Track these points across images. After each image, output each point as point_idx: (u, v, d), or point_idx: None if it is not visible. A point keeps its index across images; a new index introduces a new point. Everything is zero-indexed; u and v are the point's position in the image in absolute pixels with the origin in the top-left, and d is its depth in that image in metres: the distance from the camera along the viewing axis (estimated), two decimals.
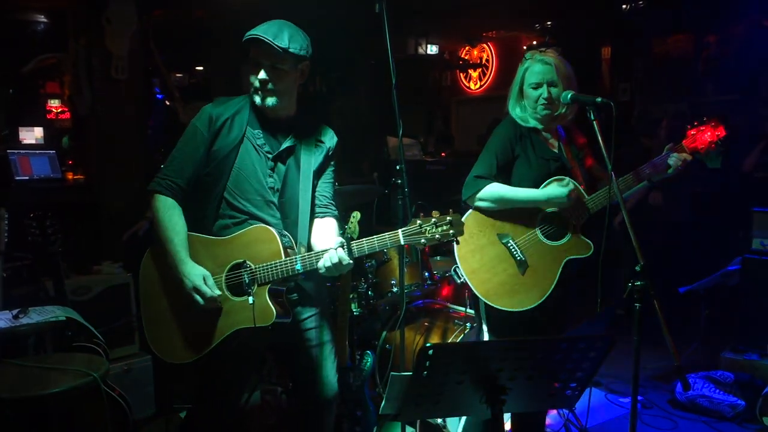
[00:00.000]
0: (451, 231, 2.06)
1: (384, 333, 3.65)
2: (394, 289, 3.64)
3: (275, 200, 2.31)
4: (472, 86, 9.70)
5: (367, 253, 2.16)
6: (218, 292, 2.19)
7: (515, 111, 2.59)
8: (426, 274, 3.77)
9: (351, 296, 3.54)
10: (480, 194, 2.50)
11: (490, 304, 2.52)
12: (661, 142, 5.27)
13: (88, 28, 4.44)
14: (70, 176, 4.99)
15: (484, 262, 2.52)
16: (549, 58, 2.52)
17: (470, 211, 2.58)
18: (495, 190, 2.48)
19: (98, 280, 3.59)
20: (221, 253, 2.25)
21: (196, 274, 2.17)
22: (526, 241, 2.52)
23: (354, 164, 7.63)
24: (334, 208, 2.47)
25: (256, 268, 2.19)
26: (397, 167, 2.79)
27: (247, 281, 2.19)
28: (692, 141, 2.51)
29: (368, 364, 3.22)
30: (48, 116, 6.90)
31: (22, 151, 4.65)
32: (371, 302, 3.72)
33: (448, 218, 2.06)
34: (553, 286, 2.48)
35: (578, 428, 3.44)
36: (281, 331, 2.29)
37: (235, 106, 2.32)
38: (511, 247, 2.51)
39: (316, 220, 2.41)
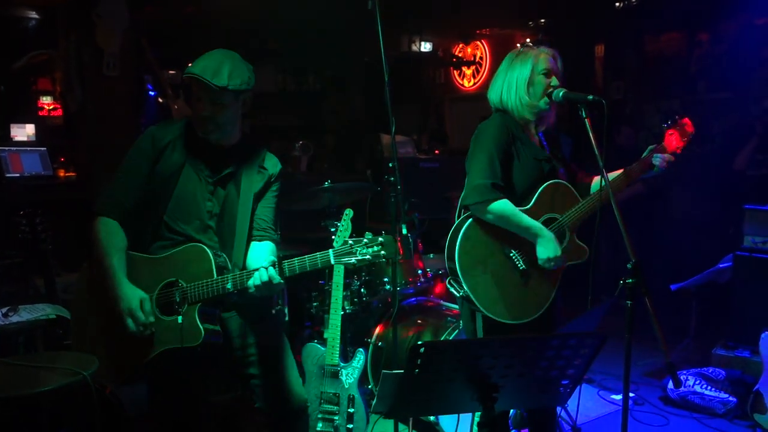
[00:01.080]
0: (382, 252, 2.09)
1: (377, 330, 3.65)
2: (387, 287, 3.64)
3: (213, 225, 2.33)
4: (466, 84, 9.69)
5: (298, 272, 2.17)
6: (152, 319, 2.19)
7: (515, 103, 2.47)
8: (419, 271, 3.78)
9: (344, 294, 3.53)
10: (491, 206, 2.36)
11: (493, 317, 2.41)
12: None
13: (79, 25, 4.42)
14: (61, 173, 4.97)
15: (487, 274, 2.42)
16: (550, 50, 2.51)
17: (470, 221, 2.44)
18: (506, 207, 2.36)
19: (79, 274, 3.56)
20: (155, 271, 2.26)
21: (133, 296, 2.18)
22: (527, 251, 2.44)
23: (347, 162, 7.63)
24: (273, 232, 2.46)
25: (187, 286, 2.20)
26: (390, 165, 2.79)
27: (177, 300, 2.20)
28: (669, 142, 2.49)
29: (360, 361, 3.22)
30: (40, 113, 6.85)
31: (13, 148, 4.63)
32: (364, 300, 3.72)
33: (379, 239, 2.10)
34: (554, 294, 2.45)
35: (570, 425, 3.45)
36: (222, 351, 2.32)
37: (177, 130, 2.34)
38: (515, 258, 2.44)
39: (253, 243, 2.40)
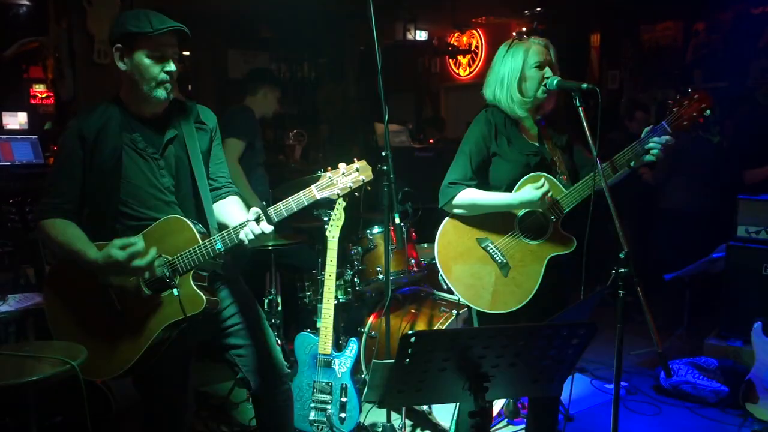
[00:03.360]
0: (361, 177, 2.12)
1: (370, 320, 3.64)
2: (380, 276, 3.63)
3: (174, 199, 2.25)
4: (462, 73, 9.66)
5: (285, 215, 2.13)
6: (139, 239, 2.09)
7: (506, 100, 2.46)
8: (412, 260, 3.77)
9: (337, 283, 3.53)
10: (455, 201, 2.45)
11: (476, 308, 2.50)
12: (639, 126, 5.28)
13: (70, 11, 4.37)
14: (52, 161, 4.93)
15: (465, 268, 2.49)
16: (542, 40, 2.48)
17: (447, 218, 2.55)
18: (469, 196, 2.44)
19: (44, 285, 3.54)
20: None
21: (108, 254, 2.06)
22: (506, 243, 2.48)
23: (342, 151, 7.60)
24: (232, 185, 2.43)
25: (174, 258, 2.14)
26: (383, 154, 2.77)
27: (167, 274, 2.14)
28: (675, 118, 2.38)
29: (353, 351, 3.21)
30: (32, 101, 6.81)
31: (3, 136, 4.59)
32: (357, 289, 3.71)
33: (354, 165, 2.13)
34: (537, 286, 2.45)
35: (563, 415, 3.46)
36: (207, 324, 2.27)
37: (103, 115, 2.18)
38: (491, 251, 2.48)
39: (219, 203, 2.36)
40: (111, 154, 2.15)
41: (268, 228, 2.09)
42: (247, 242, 2.10)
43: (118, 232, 2.17)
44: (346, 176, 2.12)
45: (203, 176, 2.28)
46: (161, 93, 2.14)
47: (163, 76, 2.13)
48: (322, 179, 2.12)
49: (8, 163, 4.42)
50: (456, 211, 2.49)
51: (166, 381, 2.32)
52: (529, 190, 2.38)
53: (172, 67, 2.14)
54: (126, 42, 2.11)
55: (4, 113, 5.83)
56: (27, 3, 6.09)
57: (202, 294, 2.13)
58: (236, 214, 2.28)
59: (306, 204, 2.13)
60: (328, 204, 3.37)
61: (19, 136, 4.71)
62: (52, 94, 6.25)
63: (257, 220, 2.08)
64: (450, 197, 2.46)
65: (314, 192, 2.11)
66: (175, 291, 2.10)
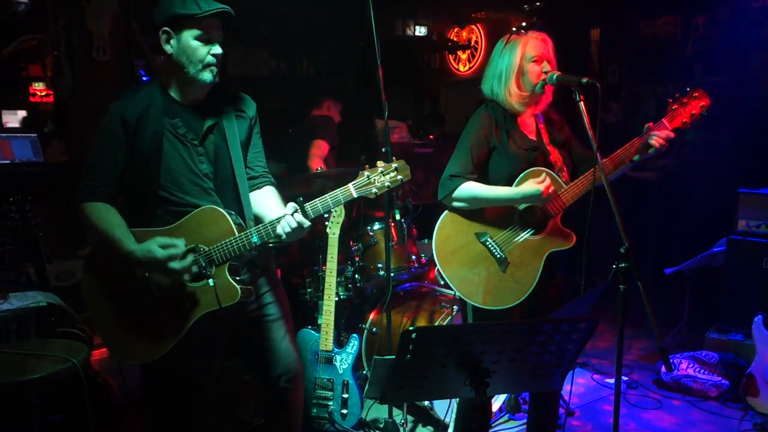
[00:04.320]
0: (399, 176, 2.11)
1: (371, 316, 3.64)
2: (381, 273, 3.63)
3: (212, 186, 2.25)
4: (461, 68, 9.64)
5: (321, 211, 2.13)
6: (181, 242, 2.11)
7: (504, 94, 2.47)
8: (413, 257, 3.77)
9: (338, 280, 3.53)
10: (455, 194, 2.44)
11: (473, 304, 2.48)
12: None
13: (68, 8, 4.36)
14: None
15: (464, 263, 2.48)
16: (540, 34, 2.48)
17: (446, 212, 2.53)
18: (469, 189, 2.43)
19: (82, 265, 3.54)
20: None
21: (148, 249, 2.08)
22: (505, 238, 2.47)
23: (342, 147, 7.58)
24: (269, 175, 2.43)
25: (210, 249, 2.15)
26: (383, 150, 2.77)
27: (203, 264, 2.15)
28: (675, 116, 2.43)
29: (354, 347, 3.22)
30: (32, 99, 6.79)
31: (2, 135, 4.58)
32: (358, 285, 3.71)
33: (393, 165, 2.11)
34: (536, 281, 2.45)
35: (564, 409, 3.46)
36: (240, 314, 2.27)
37: (145, 99, 2.18)
38: (490, 246, 2.47)
39: (255, 193, 2.37)
40: (152, 139, 2.15)
41: (305, 222, 2.10)
42: (284, 236, 2.11)
43: (157, 217, 2.19)
44: (384, 175, 2.10)
45: (241, 165, 2.29)
46: (207, 75, 2.15)
47: (210, 58, 2.14)
48: (360, 177, 2.11)
49: (8, 162, 4.42)
50: (456, 204, 2.48)
51: (187, 376, 2.30)
52: (530, 185, 2.37)
53: (218, 49, 2.15)
54: (173, 25, 2.11)
55: (3, 111, 5.80)
56: (25, 1, 6.07)
57: (237, 285, 2.14)
58: (271, 206, 2.29)
59: (342, 201, 2.13)
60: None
61: (18, 135, 4.70)
62: (51, 92, 6.24)
63: (294, 215, 2.08)
64: (450, 190, 2.45)
65: (351, 190, 2.11)
66: (210, 281, 2.11)
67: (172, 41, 2.13)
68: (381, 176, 2.10)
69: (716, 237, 4.25)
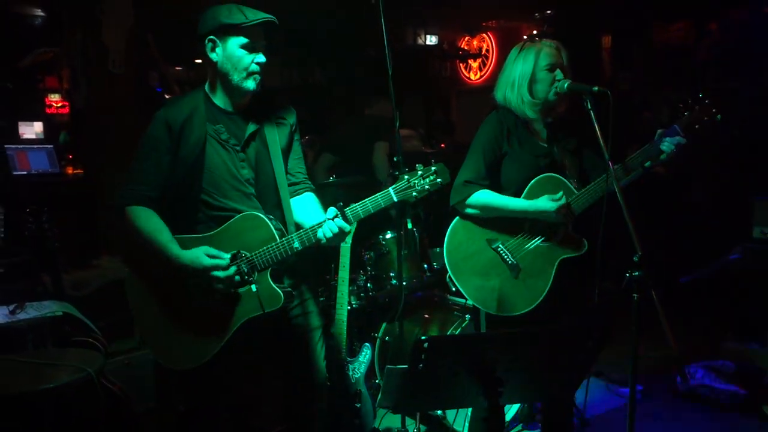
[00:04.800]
0: (438, 179, 2.12)
1: (383, 325, 3.64)
2: (393, 281, 3.63)
3: (253, 191, 2.29)
4: (472, 76, 9.65)
5: (362, 216, 2.15)
6: (228, 255, 2.14)
7: (516, 101, 2.48)
8: (425, 265, 3.76)
9: (350, 288, 3.53)
10: (468, 201, 2.44)
11: (485, 311, 2.48)
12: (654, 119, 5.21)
13: (84, 22, 4.42)
14: (69, 170, 4.98)
15: (475, 269, 2.47)
16: (554, 43, 2.49)
17: (457, 218, 2.53)
18: (484, 197, 2.43)
19: (97, 275, 3.58)
20: (212, 247, 2.20)
21: (195, 256, 2.12)
22: (517, 245, 2.47)
23: (353, 155, 7.59)
24: (309, 182, 2.46)
25: (252, 255, 2.17)
26: (395, 159, 2.77)
27: (245, 270, 2.17)
28: (686, 122, 2.41)
29: (367, 356, 3.21)
30: (48, 111, 6.89)
31: (20, 146, 4.65)
32: (370, 294, 3.71)
33: (432, 168, 2.12)
34: (548, 288, 2.44)
35: (578, 419, 3.44)
36: (282, 319, 2.29)
37: (189, 106, 2.24)
38: (502, 252, 2.47)
39: (295, 199, 2.39)
40: (195, 144, 2.20)
41: (346, 227, 2.12)
42: (324, 241, 2.14)
43: (198, 221, 2.23)
44: (424, 178, 2.12)
45: (282, 171, 2.32)
46: (251, 83, 2.20)
47: (254, 66, 2.19)
48: (399, 181, 2.13)
49: (25, 172, 4.48)
50: (468, 210, 2.48)
51: (219, 377, 2.32)
52: (545, 201, 2.37)
53: (262, 58, 2.20)
54: (219, 33, 2.17)
55: (20, 123, 5.90)
56: (42, 14, 6.17)
57: (279, 290, 2.16)
58: (312, 212, 2.32)
59: (382, 206, 2.14)
60: (341, 209, 3.38)
61: (35, 146, 4.77)
62: (67, 104, 6.32)
63: (334, 219, 2.11)
64: (464, 196, 2.45)
65: (391, 194, 2.12)
66: (253, 287, 2.13)
67: (217, 49, 2.19)
68: (420, 179, 2.11)
69: (731, 245, 4.21)
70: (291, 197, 2.38)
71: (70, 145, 5.45)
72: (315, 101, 8.42)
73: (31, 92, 6.72)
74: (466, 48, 9.55)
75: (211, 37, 2.18)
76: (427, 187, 2.11)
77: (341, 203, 2.14)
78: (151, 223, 2.18)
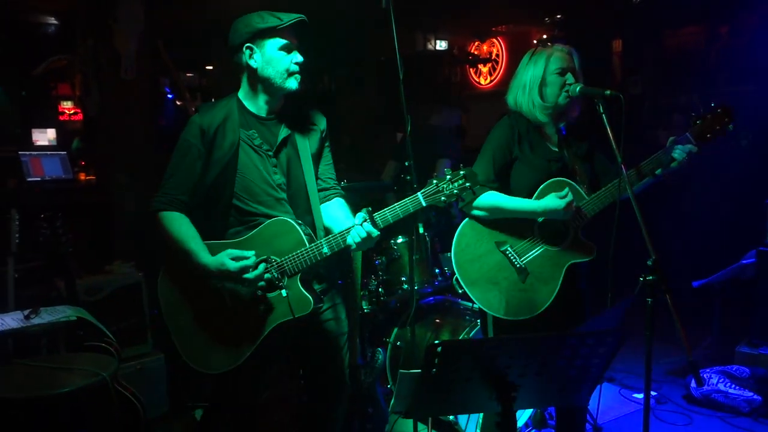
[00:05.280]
0: (467, 184, 2.12)
1: (395, 330, 3.64)
2: (405, 286, 3.63)
3: (285, 196, 2.31)
4: (483, 81, 9.64)
5: (391, 221, 2.16)
6: (251, 253, 2.16)
7: (527, 105, 2.49)
8: (437, 270, 3.76)
9: (362, 293, 3.53)
10: (476, 202, 2.44)
11: (491, 314, 2.47)
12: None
13: (97, 29, 4.46)
14: (82, 177, 5.02)
15: (483, 272, 2.46)
16: (566, 47, 2.50)
17: (466, 220, 2.53)
18: (491, 198, 2.43)
19: (110, 280, 3.60)
20: None
21: (222, 260, 2.14)
22: (525, 248, 2.47)
23: (365, 161, 7.62)
24: (339, 188, 2.48)
25: (282, 260, 2.19)
26: (406, 163, 2.78)
27: (276, 275, 2.19)
28: (698, 131, 2.41)
29: (379, 361, 3.21)
30: (61, 117, 6.95)
31: (33, 153, 4.68)
32: (382, 299, 3.71)
33: (461, 172, 2.13)
34: (555, 292, 2.43)
35: (591, 425, 3.42)
36: (313, 323, 2.32)
37: (222, 111, 2.28)
38: (510, 255, 2.46)
39: (325, 204, 2.42)
40: (229, 148, 2.23)
41: (374, 232, 2.13)
42: (354, 246, 2.15)
43: (230, 226, 2.26)
44: (453, 182, 2.13)
45: (312, 177, 2.35)
46: (293, 83, 2.25)
47: (293, 66, 2.24)
48: (428, 186, 2.14)
49: (38, 179, 4.51)
50: (476, 212, 2.48)
51: (248, 385, 2.34)
52: (553, 199, 2.36)
53: (299, 57, 2.25)
54: (255, 40, 2.21)
55: (33, 130, 5.95)
56: (55, 22, 6.23)
57: (309, 296, 2.18)
58: (341, 217, 2.34)
59: (411, 211, 2.15)
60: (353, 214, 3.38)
61: (48, 152, 4.81)
62: (79, 111, 6.38)
63: (363, 225, 2.12)
64: (470, 198, 2.45)
65: (420, 199, 2.13)
66: (283, 292, 2.15)
67: (255, 56, 2.23)
68: (449, 184, 2.12)
69: (745, 249, 4.18)
70: (321, 203, 2.40)
71: (83, 151, 5.49)
72: (324, 107, 8.44)
73: (44, 99, 6.79)
74: (476, 53, 9.55)
75: (248, 44, 2.22)
76: (455, 191, 2.12)
77: (370, 208, 2.15)
78: (182, 229, 2.21)
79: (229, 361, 2.22)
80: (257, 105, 2.30)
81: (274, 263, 2.19)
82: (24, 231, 3.07)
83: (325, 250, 2.16)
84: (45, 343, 2.92)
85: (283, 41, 2.22)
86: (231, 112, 2.28)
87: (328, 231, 2.33)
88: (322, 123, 2.44)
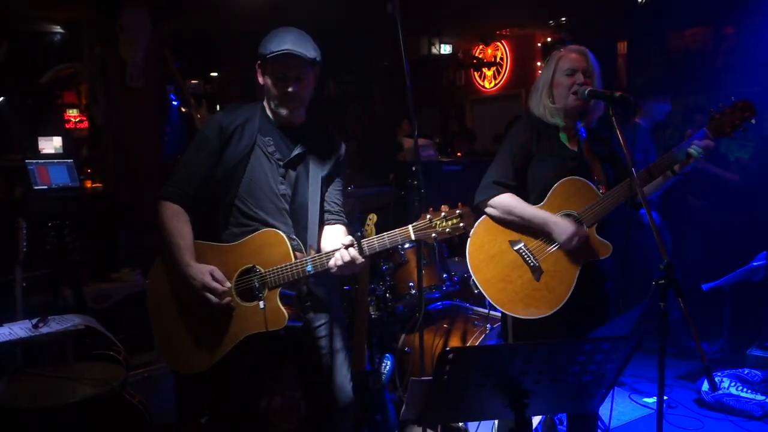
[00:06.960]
0: (461, 224, 2.08)
1: (403, 336, 3.62)
2: (413, 291, 3.61)
3: (287, 207, 2.31)
4: (487, 85, 9.63)
5: (378, 250, 2.14)
6: (229, 284, 2.18)
7: (538, 108, 2.51)
8: (444, 275, 3.74)
9: (369, 299, 3.51)
10: (492, 201, 2.44)
11: (506, 313, 2.46)
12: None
13: (103, 38, 4.48)
14: (88, 184, 5.04)
15: (497, 270, 2.45)
16: (580, 48, 2.49)
17: (481, 218, 2.51)
18: (507, 201, 2.43)
19: (117, 288, 3.61)
20: (230, 259, 2.23)
21: (201, 272, 2.16)
22: (540, 246, 2.45)
23: (370, 167, 7.62)
24: (343, 216, 2.46)
25: (266, 272, 2.18)
26: (413, 168, 2.77)
27: (257, 286, 2.18)
28: (717, 125, 2.37)
29: (387, 367, 3.19)
30: (67, 126, 6.97)
31: (40, 161, 4.70)
32: (389, 305, 3.69)
33: (457, 211, 2.08)
34: (570, 291, 2.41)
35: (602, 429, 3.38)
36: (293, 340, 2.29)
37: (245, 114, 2.31)
38: (524, 254, 2.44)
39: (326, 227, 2.40)
40: (242, 150, 2.25)
41: (358, 258, 2.11)
42: (335, 269, 2.13)
43: (229, 226, 2.27)
44: (447, 221, 2.09)
45: (316, 198, 2.34)
46: (283, 111, 2.27)
47: (284, 96, 2.24)
48: (420, 220, 2.10)
49: (45, 187, 4.52)
50: (488, 210, 2.47)
51: (240, 391, 2.33)
52: (566, 224, 2.36)
53: (292, 88, 2.23)
54: (261, 60, 2.24)
55: (40, 138, 5.97)
56: (61, 31, 6.26)
57: (285, 311, 2.16)
58: (336, 240, 2.30)
59: (400, 243, 2.14)
60: (359, 220, 3.37)
61: (55, 161, 4.82)
62: (85, 119, 6.40)
63: (348, 249, 2.10)
64: (489, 196, 2.45)
65: (410, 232, 2.11)
66: (261, 304, 2.14)
67: (261, 75, 2.28)
68: (443, 222, 2.08)
69: (755, 251, 4.15)
70: (325, 225, 2.40)
71: (90, 159, 5.51)
72: (330, 113, 8.45)
73: (51, 107, 6.82)
74: (480, 56, 9.55)
75: (259, 62, 2.26)
76: (448, 230, 2.08)
77: (360, 233, 2.13)
78: (177, 223, 2.22)
79: (199, 364, 2.22)
80: (275, 114, 2.33)
81: (258, 273, 2.19)
82: (31, 239, 3.07)
83: (309, 268, 2.15)
84: (53, 351, 2.91)
85: (274, 70, 2.22)
86: (253, 116, 2.30)
87: (320, 252, 2.31)
88: (340, 149, 2.44)
